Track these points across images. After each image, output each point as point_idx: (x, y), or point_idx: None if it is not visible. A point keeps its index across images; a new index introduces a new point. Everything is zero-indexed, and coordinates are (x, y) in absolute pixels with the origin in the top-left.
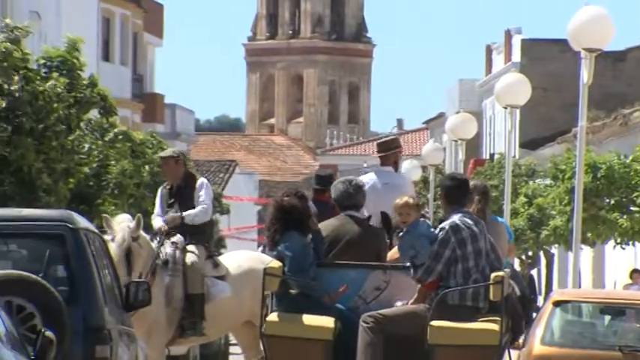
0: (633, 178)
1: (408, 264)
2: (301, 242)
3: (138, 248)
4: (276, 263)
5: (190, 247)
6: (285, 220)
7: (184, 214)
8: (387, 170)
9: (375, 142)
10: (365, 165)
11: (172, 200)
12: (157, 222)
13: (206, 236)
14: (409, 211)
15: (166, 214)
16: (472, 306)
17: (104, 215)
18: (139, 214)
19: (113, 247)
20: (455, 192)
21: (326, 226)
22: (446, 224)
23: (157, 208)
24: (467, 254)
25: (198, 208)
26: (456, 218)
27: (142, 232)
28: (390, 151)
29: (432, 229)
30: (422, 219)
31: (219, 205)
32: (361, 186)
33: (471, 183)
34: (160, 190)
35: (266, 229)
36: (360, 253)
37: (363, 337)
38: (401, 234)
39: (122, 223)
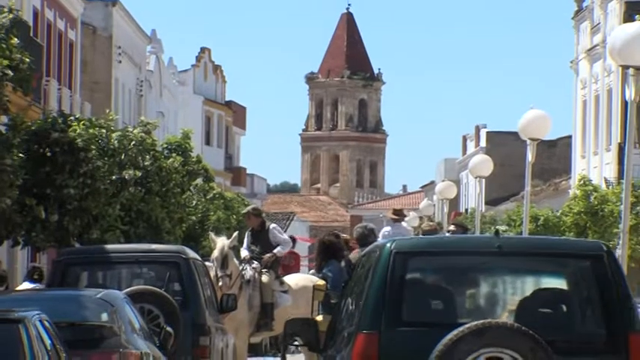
0: (562, 225)
1: None
2: (338, 267)
3: (231, 254)
4: (321, 281)
5: (264, 271)
6: (327, 252)
7: (275, 251)
8: (397, 225)
9: (392, 207)
10: (381, 215)
11: (253, 240)
12: (243, 253)
13: (275, 264)
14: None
15: (250, 249)
16: None
17: (210, 235)
18: (236, 232)
19: (215, 252)
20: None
21: (352, 257)
22: None
23: (244, 244)
24: None
25: (281, 245)
26: None
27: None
28: (400, 216)
29: None
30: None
31: None
32: (372, 229)
33: (453, 226)
34: (247, 232)
35: (314, 258)
36: None
37: None
38: None
39: (222, 239)
